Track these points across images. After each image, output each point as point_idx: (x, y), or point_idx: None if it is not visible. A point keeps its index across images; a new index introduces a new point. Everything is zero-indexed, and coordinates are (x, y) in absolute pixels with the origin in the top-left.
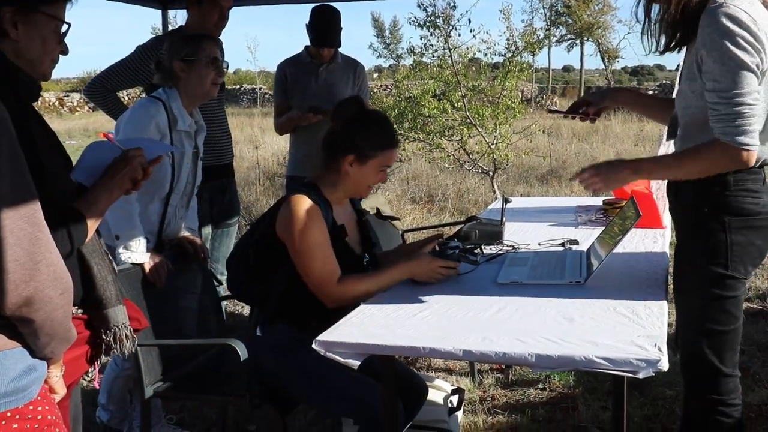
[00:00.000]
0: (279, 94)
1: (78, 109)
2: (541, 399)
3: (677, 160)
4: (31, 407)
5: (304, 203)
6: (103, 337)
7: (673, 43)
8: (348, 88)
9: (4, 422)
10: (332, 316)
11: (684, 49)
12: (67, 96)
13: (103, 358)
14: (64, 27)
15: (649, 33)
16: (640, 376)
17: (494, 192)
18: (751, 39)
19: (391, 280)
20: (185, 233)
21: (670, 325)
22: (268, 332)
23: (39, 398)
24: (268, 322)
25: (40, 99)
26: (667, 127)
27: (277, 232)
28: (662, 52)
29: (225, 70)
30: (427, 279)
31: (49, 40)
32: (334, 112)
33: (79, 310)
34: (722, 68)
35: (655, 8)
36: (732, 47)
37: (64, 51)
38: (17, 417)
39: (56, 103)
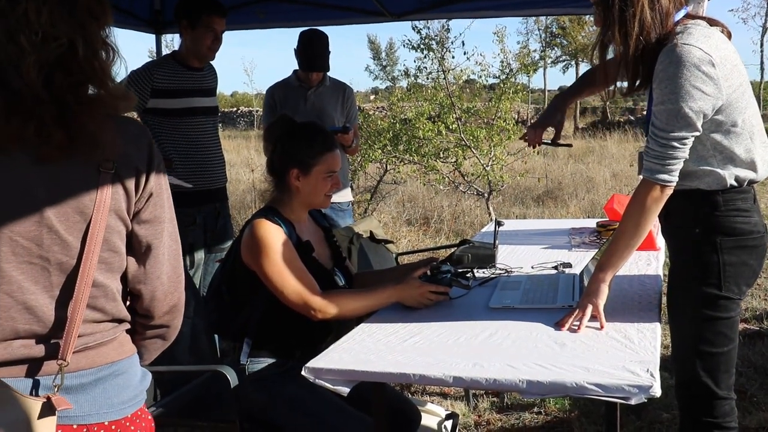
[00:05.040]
0: (269, 118)
1: None
2: (536, 423)
3: (619, 228)
4: (145, 408)
5: (265, 226)
6: None
7: (637, 83)
8: (336, 111)
9: (137, 420)
10: (316, 342)
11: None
12: None
13: None
14: None
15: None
16: (632, 402)
17: (489, 214)
18: (698, 82)
19: (378, 302)
20: None
21: (666, 346)
22: (253, 364)
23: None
24: (251, 353)
25: None
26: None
27: (244, 260)
28: (626, 94)
29: None
30: (416, 304)
31: None
32: (266, 136)
33: None
34: (661, 107)
35: (611, 52)
36: (674, 90)
37: None
38: (142, 416)
39: None
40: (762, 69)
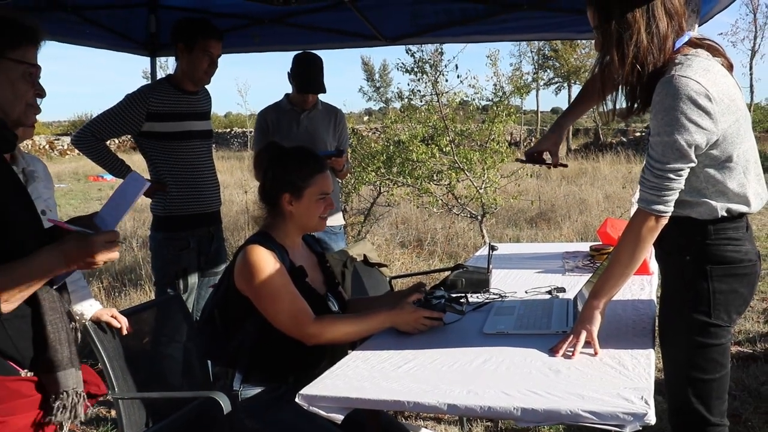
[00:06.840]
0: (260, 141)
1: (68, 152)
2: None
3: (613, 256)
4: None
5: (258, 251)
6: (56, 402)
7: (635, 107)
8: (329, 134)
9: None
10: (310, 367)
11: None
12: (58, 139)
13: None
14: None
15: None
16: (627, 430)
17: (483, 236)
18: (693, 115)
19: (372, 327)
20: (102, 313)
21: (660, 369)
22: (246, 390)
23: None
24: (243, 379)
25: (30, 142)
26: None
27: (237, 285)
28: (624, 117)
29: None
30: (410, 330)
31: (19, 84)
32: (256, 163)
33: (30, 372)
34: (657, 139)
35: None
36: (669, 123)
37: (40, 94)
38: None
39: (46, 147)
40: (752, 91)
